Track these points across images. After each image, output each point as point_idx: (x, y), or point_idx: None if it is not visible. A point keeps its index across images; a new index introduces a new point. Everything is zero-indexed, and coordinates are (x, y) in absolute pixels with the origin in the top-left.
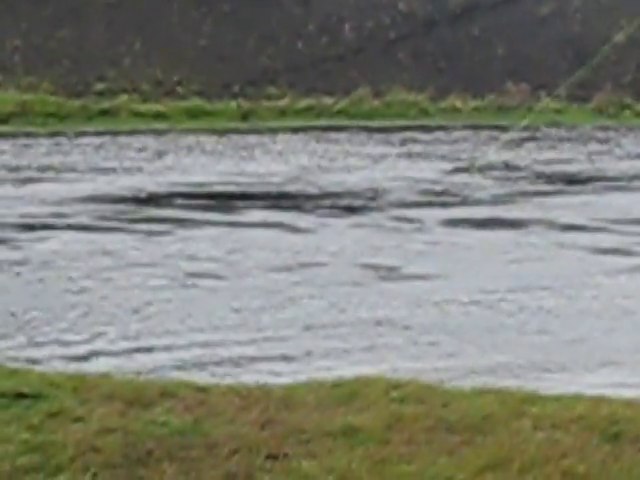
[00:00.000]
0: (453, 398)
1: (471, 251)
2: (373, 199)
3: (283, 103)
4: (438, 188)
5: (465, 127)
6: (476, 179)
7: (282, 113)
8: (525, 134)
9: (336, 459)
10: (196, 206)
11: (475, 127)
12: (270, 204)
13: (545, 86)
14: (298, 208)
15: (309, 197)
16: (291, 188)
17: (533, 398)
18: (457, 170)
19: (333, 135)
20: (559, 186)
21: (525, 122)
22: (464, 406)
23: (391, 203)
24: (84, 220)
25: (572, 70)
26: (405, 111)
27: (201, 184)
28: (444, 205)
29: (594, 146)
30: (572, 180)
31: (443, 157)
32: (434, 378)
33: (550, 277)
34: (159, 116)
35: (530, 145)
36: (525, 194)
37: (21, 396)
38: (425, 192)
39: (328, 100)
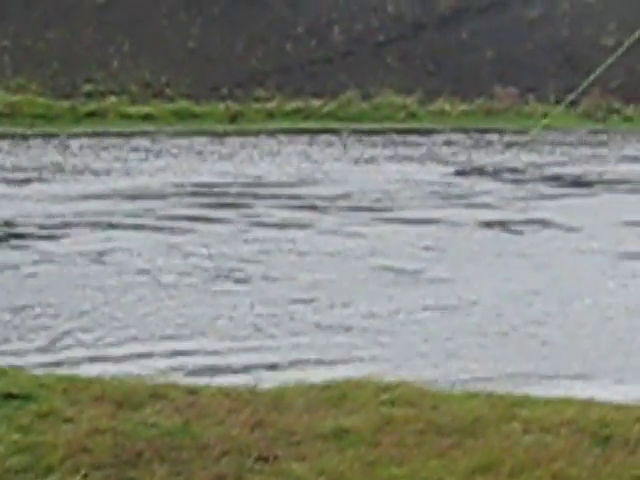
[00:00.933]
0: (443, 401)
1: (497, 254)
2: (386, 201)
3: (271, 105)
4: (445, 190)
5: (454, 130)
6: (481, 181)
7: (270, 115)
8: (515, 138)
9: (326, 461)
10: (209, 204)
11: (464, 130)
12: (283, 204)
13: (533, 90)
14: (314, 208)
15: (320, 198)
16: (296, 189)
17: (523, 401)
18: (459, 173)
19: (322, 137)
20: (569, 189)
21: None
22: (454, 409)
23: (405, 205)
24: (110, 219)
25: (561, 74)
26: (393, 114)
27: (205, 184)
28: (458, 207)
29: (585, 150)
30: (578, 183)
31: (437, 160)
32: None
33: (568, 282)
34: (147, 118)
35: (512, 148)
36: (541, 196)
37: (10, 397)
38: (435, 194)
39: (316, 102)
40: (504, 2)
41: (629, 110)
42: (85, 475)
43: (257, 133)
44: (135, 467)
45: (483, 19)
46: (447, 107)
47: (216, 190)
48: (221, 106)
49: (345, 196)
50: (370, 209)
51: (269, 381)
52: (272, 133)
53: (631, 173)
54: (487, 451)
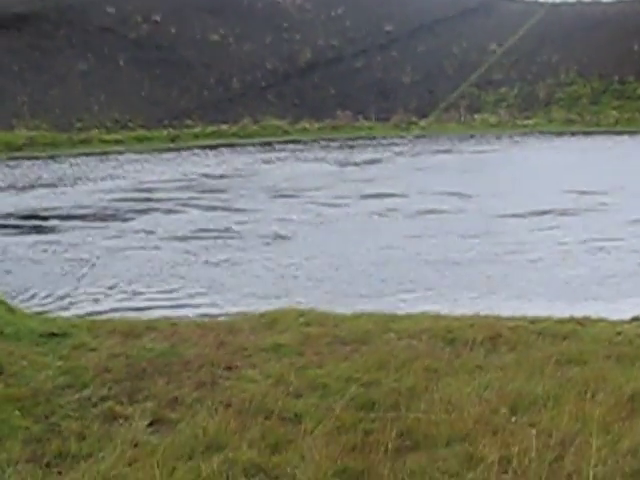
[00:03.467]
0: (341, 320)
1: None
2: (314, 184)
3: (196, 130)
4: (347, 175)
5: (314, 140)
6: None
7: (196, 136)
8: (350, 142)
9: (270, 367)
10: (198, 191)
11: (320, 139)
12: (246, 189)
13: (361, 112)
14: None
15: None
16: (241, 180)
17: (394, 317)
18: (341, 165)
19: (234, 149)
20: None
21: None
22: (349, 326)
23: (320, 187)
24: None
25: (377, 101)
26: (274, 132)
27: (178, 179)
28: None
29: (399, 148)
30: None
31: (315, 159)
32: None
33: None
34: (118, 142)
35: (355, 149)
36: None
37: (53, 335)
38: (340, 178)
39: (225, 127)
40: (339, 58)
41: (423, 122)
42: (110, 388)
43: (189, 148)
44: (142, 379)
45: (327, 69)
46: (308, 126)
47: (194, 183)
48: (165, 132)
49: (286, 180)
50: (309, 189)
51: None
52: (199, 147)
53: (444, 160)
54: (377, 354)
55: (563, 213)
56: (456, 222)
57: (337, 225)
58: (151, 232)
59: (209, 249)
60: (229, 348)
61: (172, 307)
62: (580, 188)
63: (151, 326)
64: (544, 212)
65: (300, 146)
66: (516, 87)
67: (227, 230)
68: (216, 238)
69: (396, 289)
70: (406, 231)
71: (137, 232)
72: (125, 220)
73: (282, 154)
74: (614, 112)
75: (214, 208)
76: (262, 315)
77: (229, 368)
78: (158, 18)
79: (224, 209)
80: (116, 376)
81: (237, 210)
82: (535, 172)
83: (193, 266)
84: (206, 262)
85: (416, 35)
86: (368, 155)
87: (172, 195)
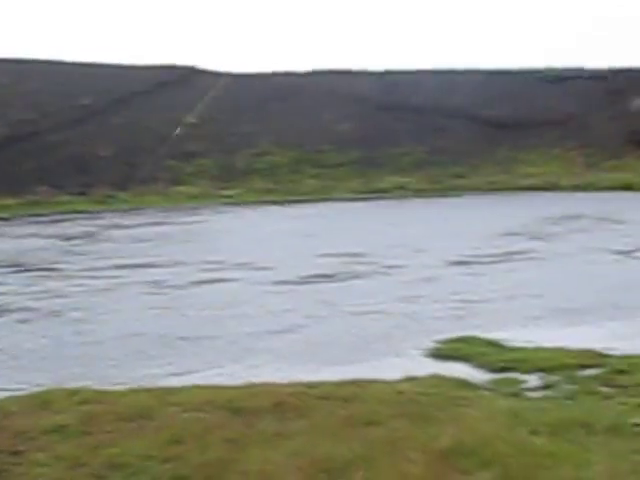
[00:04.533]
0: (118, 396)
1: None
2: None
3: None
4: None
5: (13, 217)
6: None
7: None
8: (53, 217)
9: (59, 449)
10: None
11: (21, 215)
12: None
13: (60, 187)
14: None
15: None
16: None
17: (170, 391)
18: (60, 239)
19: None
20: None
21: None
22: (127, 401)
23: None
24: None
25: (75, 176)
26: None
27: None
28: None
29: (107, 221)
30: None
31: (26, 235)
32: None
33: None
34: None
35: (61, 224)
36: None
37: None
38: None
39: None
40: (35, 132)
41: (122, 195)
42: None
43: None
44: None
45: (23, 143)
46: (6, 202)
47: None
48: None
49: (15, 256)
50: (52, 263)
51: None
52: None
53: (164, 232)
54: (167, 428)
55: (324, 278)
56: (224, 293)
57: (109, 297)
58: None
59: None
60: (7, 432)
61: None
62: (328, 252)
63: None
64: (310, 277)
65: (1, 222)
66: (215, 158)
67: None
68: None
69: (143, 363)
70: (167, 303)
71: None
72: None
73: None
74: (311, 180)
75: None
76: (31, 396)
77: (15, 453)
78: None
79: None
80: None
81: None
82: (269, 239)
83: None
84: None
85: (113, 108)
86: (80, 229)
87: None
